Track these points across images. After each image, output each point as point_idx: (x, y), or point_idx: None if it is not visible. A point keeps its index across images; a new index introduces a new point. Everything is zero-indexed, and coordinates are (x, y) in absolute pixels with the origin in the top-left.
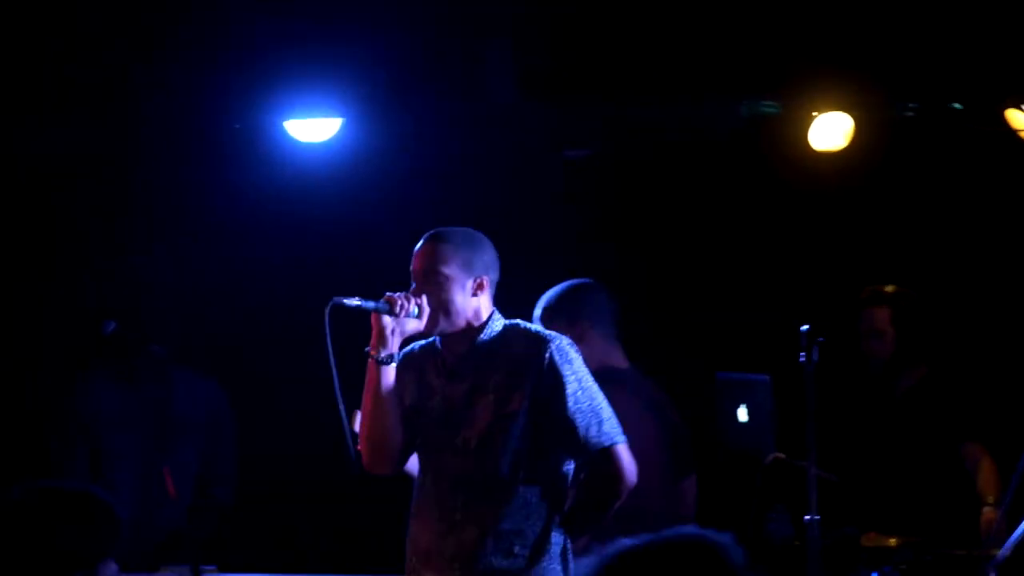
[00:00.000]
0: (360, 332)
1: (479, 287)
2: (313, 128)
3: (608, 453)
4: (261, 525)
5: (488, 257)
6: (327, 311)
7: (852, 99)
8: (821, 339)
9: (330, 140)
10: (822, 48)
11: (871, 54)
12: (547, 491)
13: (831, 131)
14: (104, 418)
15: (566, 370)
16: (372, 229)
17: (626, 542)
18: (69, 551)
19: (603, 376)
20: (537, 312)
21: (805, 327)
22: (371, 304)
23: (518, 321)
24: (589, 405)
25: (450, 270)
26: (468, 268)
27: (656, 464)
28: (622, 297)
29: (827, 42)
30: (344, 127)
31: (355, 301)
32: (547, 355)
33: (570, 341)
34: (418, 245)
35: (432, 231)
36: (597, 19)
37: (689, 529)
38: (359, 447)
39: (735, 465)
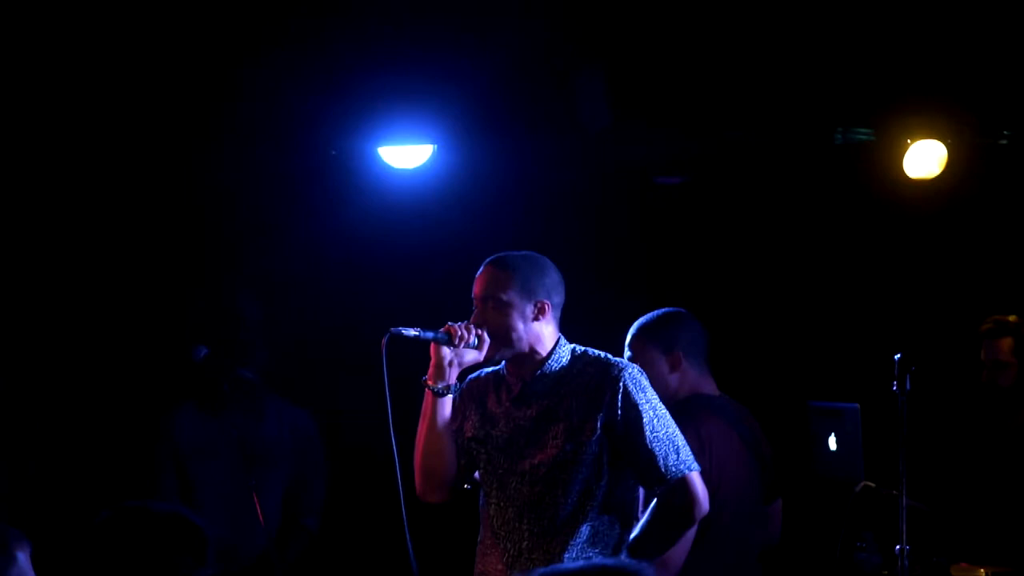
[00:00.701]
0: (423, 361)
1: (540, 311)
2: (406, 155)
3: (684, 482)
4: (346, 553)
5: (549, 280)
6: (384, 341)
7: (946, 127)
8: (914, 368)
9: (422, 166)
10: (916, 77)
11: (964, 82)
12: (615, 518)
13: (925, 159)
14: (193, 445)
15: (640, 399)
16: (463, 254)
17: (554, 567)
18: (156, 571)
19: (694, 403)
20: (629, 339)
21: (898, 355)
22: (430, 334)
23: (585, 348)
24: (666, 433)
25: (509, 296)
26: (528, 292)
27: (746, 488)
28: (714, 324)
29: (920, 71)
30: (436, 154)
31: (414, 331)
32: (621, 384)
33: (640, 369)
34: (478, 271)
35: (492, 256)
36: (692, 47)
37: (609, 560)
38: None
39: (825, 493)
